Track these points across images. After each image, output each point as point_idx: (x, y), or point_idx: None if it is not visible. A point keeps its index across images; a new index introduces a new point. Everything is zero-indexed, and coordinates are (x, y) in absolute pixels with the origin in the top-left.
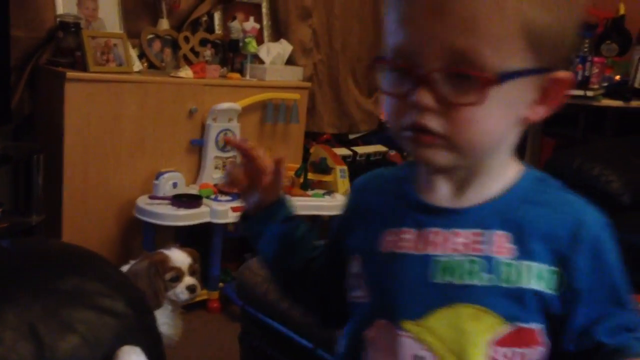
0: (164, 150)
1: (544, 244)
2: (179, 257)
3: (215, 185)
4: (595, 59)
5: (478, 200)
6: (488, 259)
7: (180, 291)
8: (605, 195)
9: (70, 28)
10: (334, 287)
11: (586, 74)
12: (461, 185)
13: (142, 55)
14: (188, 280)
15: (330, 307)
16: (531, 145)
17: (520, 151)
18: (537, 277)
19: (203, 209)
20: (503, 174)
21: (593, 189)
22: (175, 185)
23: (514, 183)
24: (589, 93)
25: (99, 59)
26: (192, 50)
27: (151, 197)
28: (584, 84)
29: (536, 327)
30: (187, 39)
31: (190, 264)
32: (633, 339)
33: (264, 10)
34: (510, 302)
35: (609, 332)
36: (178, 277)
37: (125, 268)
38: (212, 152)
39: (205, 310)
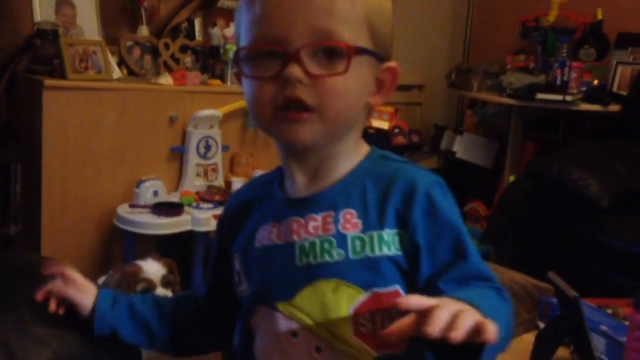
0: (145, 158)
1: (384, 211)
2: (151, 268)
3: (196, 193)
4: (574, 63)
5: (328, 184)
6: (340, 236)
7: None
8: (584, 200)
9: (48, 35)
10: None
11: (565, 78)
12: (314, 173)
13: (121, 63)
14: (160, 291)
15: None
16: (511, 149)
17: (501, 155)
18: (385, 243)
19: (184, 217)
20: (352, 158)
21: (572, 193)
22: (156, 193)
23: (358, 164)
24: (568, 98)
25: (78, 67)
26: (172, 57)
27: (132, 206)
28: (562, 88)
29: (394, 289)
30: (167, 46)
31: (164, 274)
32: (485, 287)
33: None
34: (364, 271)
35: (452, 282)
36: (149, 288)
37: (100, 280)
38: (193, 159)
39: None
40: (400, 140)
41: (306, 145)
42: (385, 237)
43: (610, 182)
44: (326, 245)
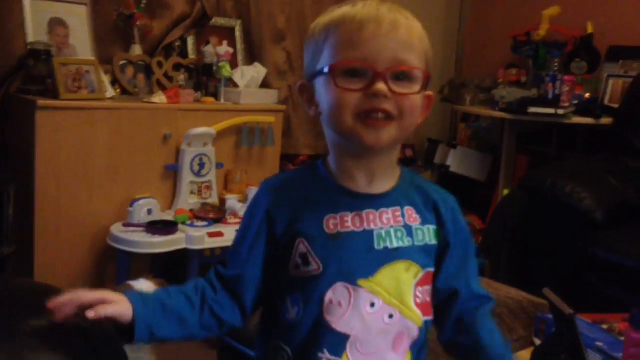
0: (139, 176)
1: (430, 212)
2: (143, 287)
3: (191, 211)
4: (565, 77)
5: (386, 188)
6: (407, 227)
7: None
8: (578, 213)
9: (41, 55)
10: (250, 281)
11: (557, 92)
12: (372, 175)
13: (114, 82)
14: None
15: (247, 303)
16: (505, 162)
17: (495, 168)
18: (433, 234)
19: (179, 235)
20: (396, 166)
21: (566, 207)
22: (150, 211)
23: (400, 174)
24: (560, 111)
25: (71, 86)
26: (165, 75)
27: (125, 225)
28: (554, 102)
29: (432, 270)
30: (160, 64)
31: None
32: (489, 318)
33: (238, 34)
34: (424, 255)
35: (463, 282)
36: None
37: None
38: (187, 177)
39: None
40: None
41: (383, 146)
42: (433, 230)
43: (604, 196)
44: (399, 234)
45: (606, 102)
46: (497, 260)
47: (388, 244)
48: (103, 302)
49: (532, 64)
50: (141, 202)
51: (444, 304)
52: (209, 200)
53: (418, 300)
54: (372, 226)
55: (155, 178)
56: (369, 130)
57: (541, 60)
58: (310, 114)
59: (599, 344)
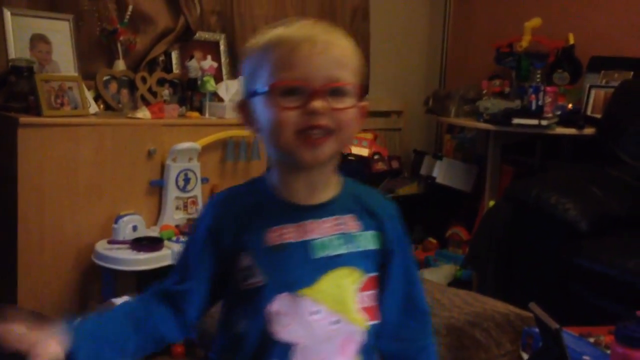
0: (123, 192)
1: (370, 218)
2: None
3: (177, 227)
4: (548, 88)
5: (326, 197)
6: (347, 234)
7: None
8: (563, 223)
9: (23, 72)
10: (196, 296)
11: (540, 103)
12: (313, 187)
13: (98, 97)
14: None
15: (190, 317)
16: (490, 173)
17: (480, 179)
18: (373, 240)
19: (164, 251)
20: (336, 176)
21: (551, 218)
22: (135, 228)
23: (341, 183)
24: (544, 122)
25: (53, 103)
26: (149, 90)
27: (110, 242)
28: (538, 113)
29: (375, 274)
30: (144, 79)
31: None
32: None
33: (222, 47)
34: (364, 260)
35: (406, 280)
36: None
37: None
38: (172, 192)
39: (169, 356)
40: (380, 166)
41: (322, 162)
42: (373, 235)
43: (588, 206)
44: (338, 242)
45: (589, 112)
46: (484, 271)
47: (328, 252)
48: (31, 350)
49: (515, 74)
50: (126, 218)
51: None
52: (195, 216)
53: (362, 305)
54: (312, 236)
55: (140, 194)
56: (308, 148)
57: (524, 71)
58: (250, 130)
59: (586, 357)
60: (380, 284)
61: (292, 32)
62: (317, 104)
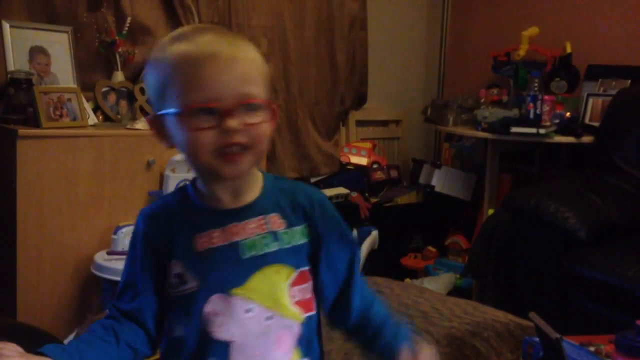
0: (122, 203)
1: (296, 213)
2: None
3: None
4: (546, 97)
5: (250, 198)
6: (273, 233)
7: None
8: (562, 232)
9: (21, 84)
10: (149, 309)
11: (537, 111)
12: (236, 192)
13: (97, 109)
14: None
15: (152, 330)
16: (489, 181)
17: (479, 188)
18: (300, 235)
19: None
20: (258, 178)
21: (550, 226)
22: None
23: (263, 182)
24: (542, 130)
25: (52, 115)
26: (148, 101)
27: (109, 253)
28: (536, 121)
29: (306, 268)
30: (143, 90)
31: None
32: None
33: None
34: (293, 256)
35: (344, 263)
36: None
37: (73, 335)
38: None
39: None
40: (379, 175)
41: (244, 174)
42: (301, 229)
43: (587, 214)
44: (265, 241)
45: (587, 120)
46: (484, 280)
47: (256, 252)
48: None
49: (512, 83)
50: (125, 229)
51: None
52: None
53: (295, 299)
54: (238, 238)
55: (139, 205)
56: (227, 164)
57: (521, 80)
58: (164, 145)
59: None
60: (315, 274)
61: (195, 49)
62: (232, 122)
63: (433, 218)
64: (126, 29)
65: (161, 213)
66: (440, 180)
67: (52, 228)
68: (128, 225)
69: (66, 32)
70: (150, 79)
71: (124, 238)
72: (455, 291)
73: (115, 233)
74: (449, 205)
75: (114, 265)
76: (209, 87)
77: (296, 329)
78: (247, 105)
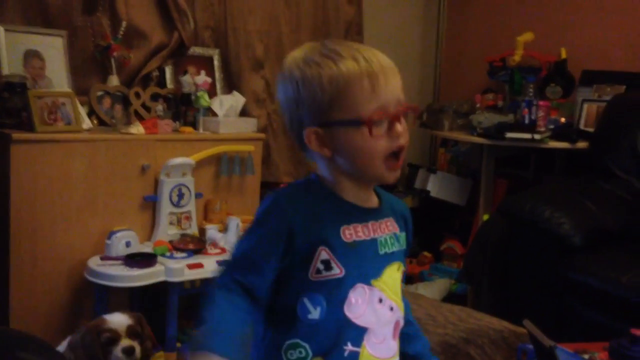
0: (116, 208)
1: (400, 220)
2: (115, 319)
3: (170, 242)
4: (541, 102)
5: (376, 202)
6: (395, 234)
7: (117, 354)
8: (557, 238)
9: (16, 88)
10: (266, 286)
11: (532, 117)
12: (369, 195)
13: (91, 113)
14: (125, 342)
15: (262, 301)
16: (484, 187)
17: (474, 193)
18: (404, 240)
19: (158, 267)
20: None
21: (545, 232)
22: (128, 244)
23: (376, 190)
24: (537, 136)
25: (46, 119)
26: (143, 105)
27: (103, 258)
28: (531, 127)
29: (404, 268)
30: (138, 95)
31: (130, 325)
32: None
33: (216, 63)
34: (403, 256)
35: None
36: (114, 339)
37: (65, 342)
38: (166, 207)
39: None
40: None
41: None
42: (404, 236)
43: (582, 220)
44: (392, 240)
45: (581, 126)
46: (479, 285)
47: (387, 249)
48: None
49: (508, 88)
50: (119, 234)
51: None
52: (189, 231)
53: (402, 294)
54: (376, 235)
55: (133, 209)
56: (392, 172)
57: (517, 85)
58: (321, 155)
59: None
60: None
61: (368, 66)
62: (399, 127)
63: (428, 223)
64: (121, 33)
65: (299, 199)
66: (435, 185)
67: (45, 233)
68: (122, 230)
69: (61, 36)
70: (305, 95)
71: (117, 243)
72: (451, 297)
73: (109, 238)
74: (444, 210)
75: (107, 271)
76: (383, 97)
77: (402, 320)
78: (409, 109)
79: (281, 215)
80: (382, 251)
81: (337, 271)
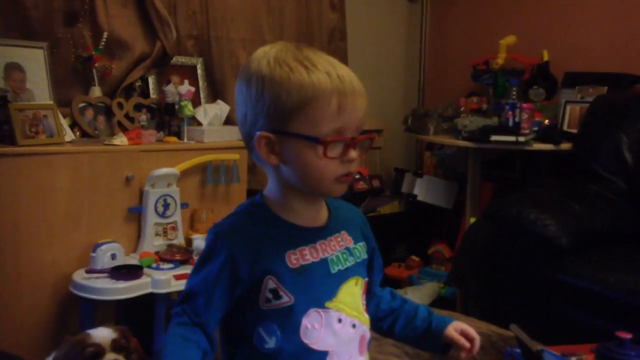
0: (101, 220)
1: (356, 230)
2: (99, 334)
3: (156, 253)
4: (524, 104)
5: (324, 218)
6: (347, 248)
7: None
8: (543, 240)
9: None
10: (214, 321)
11: (516, 120)
12: (318, 211)
13: (74, 125)
14: (109, 356)
15: (213, 337)
16: (471, 190)
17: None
18: (363, 249)
19: (144, 279)
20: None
21: (531, 234)
22: (114, 256)
23: (327, 204)
24: (521, 138)
25: (28, 132)
26: (126, 116)
27: (88, 271)
28: (515, 129)
29: (367, 279)
30: (120, 105)
31: (115, 339)
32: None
33: (199, 72)
34: (362, 268)
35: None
36: (98, 353)
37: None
38: (152, 218)
39: None
40: (361, 185)
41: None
42: (363, 245)
43: (567, 222)
44: (344, 256)
45: (565, 127)
46: (467, 289)
47: (340, 266)
48: None
49: (492, 92)
50: (104, 246)
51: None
52: (175, 241)
53: (364, 307)
54: (326, 254)
55: (118, 221)
56: (342, 186)
57: (500, 88)
58: (267, 162)
59: None
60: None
61: (339, 82)
62: (354, 154)
63: (416, 227)
64: (103, 43)
65: (241, 229)
66: (422, 189)
67: (29, 247)
68: (107, 242)
69: (42, 47)
70: (268, 95)
71: (102, 256)
72: (440, 300)
73: (94, 251)
74: (431, 214)
75: (92, 284)
76: (345, 118)
77: (368, 333)
78: (367, 139)
79: (222, 250)
80: (334, 270)
81: (287, 299)
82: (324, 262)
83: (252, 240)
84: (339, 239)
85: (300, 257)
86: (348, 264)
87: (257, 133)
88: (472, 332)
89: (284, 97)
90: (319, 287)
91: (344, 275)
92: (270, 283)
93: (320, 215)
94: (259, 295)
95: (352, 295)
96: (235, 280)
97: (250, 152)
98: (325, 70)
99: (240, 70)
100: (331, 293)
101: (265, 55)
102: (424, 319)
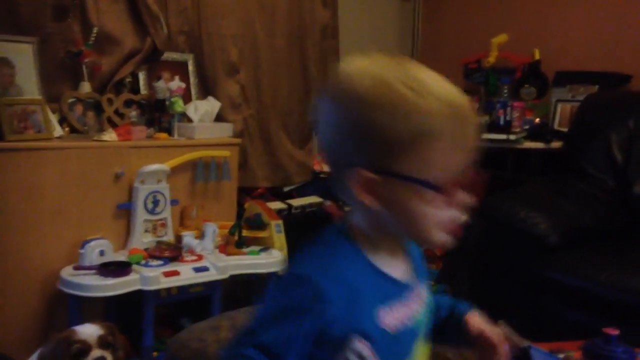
0: (90, 217)
1: (424, 275)
2: (86, 330)
3: (145, 250)
4: (515, 103)
5: (405, 266)
6: (425, 302)
7: None
8: (533, 238)
9: None
10: None
11: (508, 118)
12: (403, 260)
13: (63, 120)
14: (95, 353)
15: None
16: None
17: None
18: (429, 291)
19: (133, 276)
20: None
21: (521, 232)
22: (102, 253)
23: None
24: (512, 136)
25: (16, 127)
26: (116, 112)
27: (76, 268)
28: (506, 127)
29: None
30: (110, 101)
31: (101, 335)
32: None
33: (190, 68)
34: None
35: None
36: (85, 350)
37: (36, 355)
38: (141, 215)
39: None
40: None
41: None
42: (428, 286)
43: (557, 219)
44: (425, 312)
45: (556, 126)
46: (458, 287)
47: (424, 328)
48: None
49: (483, 90)
50: (92, 243)
51: None
52: (165, 238)
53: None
54: (416, 315)
55: (107, 218)
56: (450, 237)
57: (492, 86)
58: (364, 203)
59: None
60: None
61: (455, 109)
62: (467, 198)
63: None
64: (92, 39)
65: (342, 274)
66: None
67: (17, 243)
68: (95, 239)
69: (31, 42)
70: (369, 125)
71: (91, 252)
72: None
73: (82, 247)
74: None
75: (80, 281)
76: (460, 157)
77: None
78: (480, 180)
79: (320, 311)
80: (421, 331)
81: None
82: (418, 323)
83: (348, 295)
84: (419, 292)
85: (395, 316)
86: (426, 322)
87: (354, 169)
88: (493, 335)
89: (391, 130)
90: (407, 351)
91: (424, 338)
92: (358, 345)
93: (405, 262)
94: (341, 355)
95: (424, 356)
96: (319, 341)
97: (335, 179)
98: (438, 96)
99: (328, 87)
100: (413, 355)
101: (362, 74)
102: (448, 306)
